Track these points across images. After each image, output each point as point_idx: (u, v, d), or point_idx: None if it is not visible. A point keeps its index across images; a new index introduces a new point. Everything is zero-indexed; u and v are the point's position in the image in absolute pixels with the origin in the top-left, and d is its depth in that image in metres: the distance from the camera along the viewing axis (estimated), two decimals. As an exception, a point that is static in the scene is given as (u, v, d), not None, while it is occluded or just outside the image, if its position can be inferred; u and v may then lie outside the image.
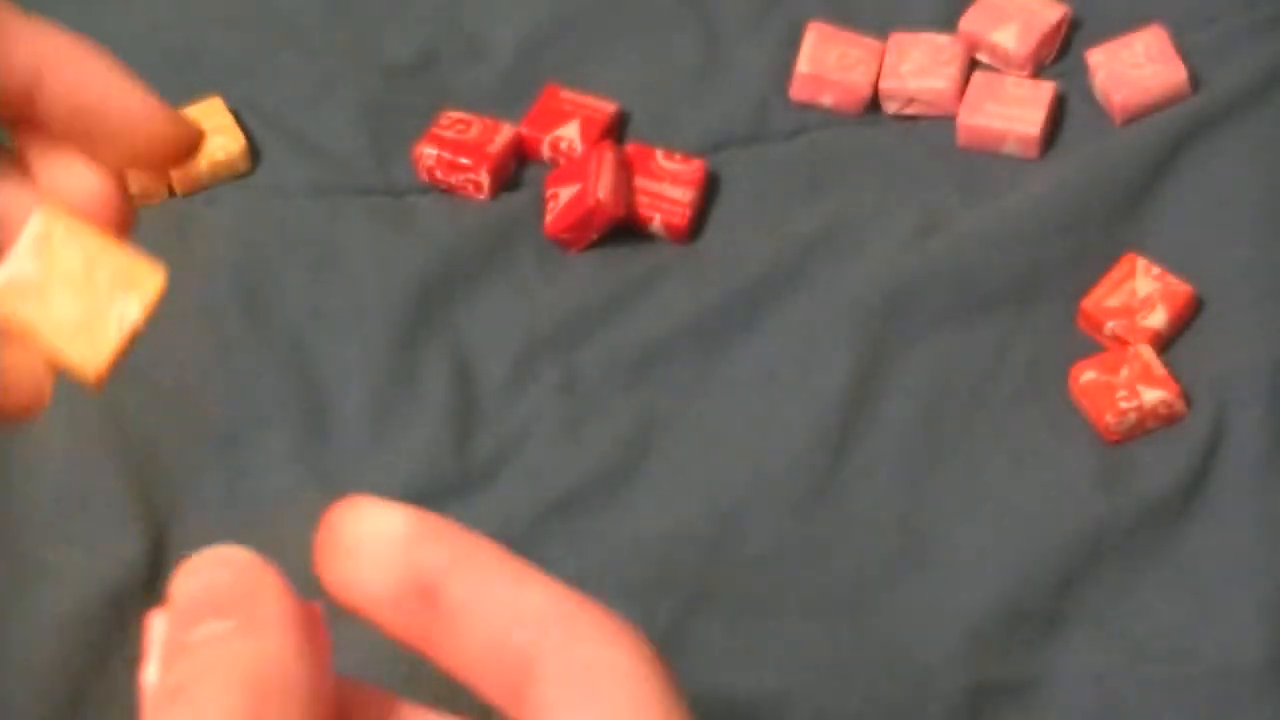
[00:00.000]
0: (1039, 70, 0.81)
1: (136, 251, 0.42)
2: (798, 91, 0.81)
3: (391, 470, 0.70)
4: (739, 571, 0.67)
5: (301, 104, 0.81)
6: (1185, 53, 0.79)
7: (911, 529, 0.68)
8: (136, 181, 0.77)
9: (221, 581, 0.32)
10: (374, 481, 0.69)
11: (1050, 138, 0.79)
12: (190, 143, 0.44)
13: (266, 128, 0.80)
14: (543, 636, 0.32)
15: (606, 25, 0.84)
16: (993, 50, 0.81)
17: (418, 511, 0.33)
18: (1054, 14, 0.81)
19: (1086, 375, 0.70)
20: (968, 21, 0.81)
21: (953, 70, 0.79)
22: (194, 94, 0.80)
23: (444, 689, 0.34)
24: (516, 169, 0.79)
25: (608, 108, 0.80)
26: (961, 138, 0.79)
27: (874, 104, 0.80)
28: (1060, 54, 0.81)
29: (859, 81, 0.80)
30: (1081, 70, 0.80)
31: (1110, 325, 0.72)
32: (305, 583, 0.34)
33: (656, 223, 0.76)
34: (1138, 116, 0.78)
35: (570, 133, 0.79)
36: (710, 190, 0.78)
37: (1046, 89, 0.79)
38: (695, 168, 0.77)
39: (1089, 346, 0.72)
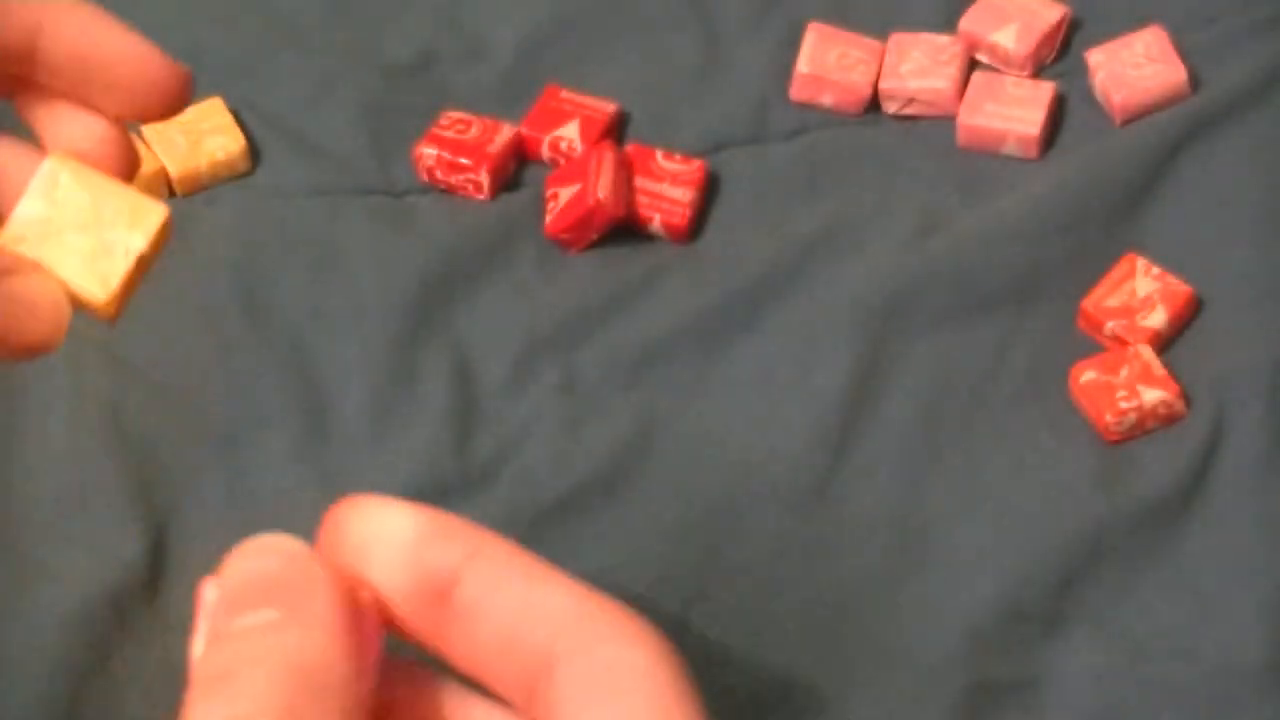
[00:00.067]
0: (1039, 70, 0.81)
1: (140, 191, 0.45)
2: (798, 92, 0.81)
3: (391, 470, 0.70)
4: (739, 571, 0.67)
5: (301, 104, 0.81)
6: (1185, 53, 0.79)
7: (911, 529, 0.68)
8: (136, 184, 0.76)
9: (272, 570, 0.32)
10: (374, 481, 0.69)
11: (1050, 138, 0.79)
12: (183, 86, 0.46)
13: (266, 128, 0.80)
14: (560, 636, 0.31)
15: (606, 25, 0.84)
16: (992, 50, 0.81)
17: (426, 509, 0.33)
18: (1054, 14, 0.81)
19: (1086, 375, 0.70)
20: (967, 22, 0.81)
21: (952, 70, 0.80)
22: (194, 94, 0.80)
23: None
24: (516, 169, 0.79)
25: (608, 108, 0.80)
26: (961, 138, 0.79)
27: (874, 104, 0.80)
28: (1060, 54, 0.81)
29: (859, 82, 0.80)
30: (1081, 70, 0.80)
31: (1110, 325, 0.72)
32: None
33: (656, 223, 0.76)
34: (1137, 117, 0.78)
35: (570, 133, 0.79)
36: (710, 190, 0.78)
37: (1046, 89, 0.79)
38: (695, 168, 0.77)
39: (1089, 346, 0.72)
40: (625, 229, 0.76)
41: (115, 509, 0.68)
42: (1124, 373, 0.70)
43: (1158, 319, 0.71)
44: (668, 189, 0.77)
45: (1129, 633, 0.65)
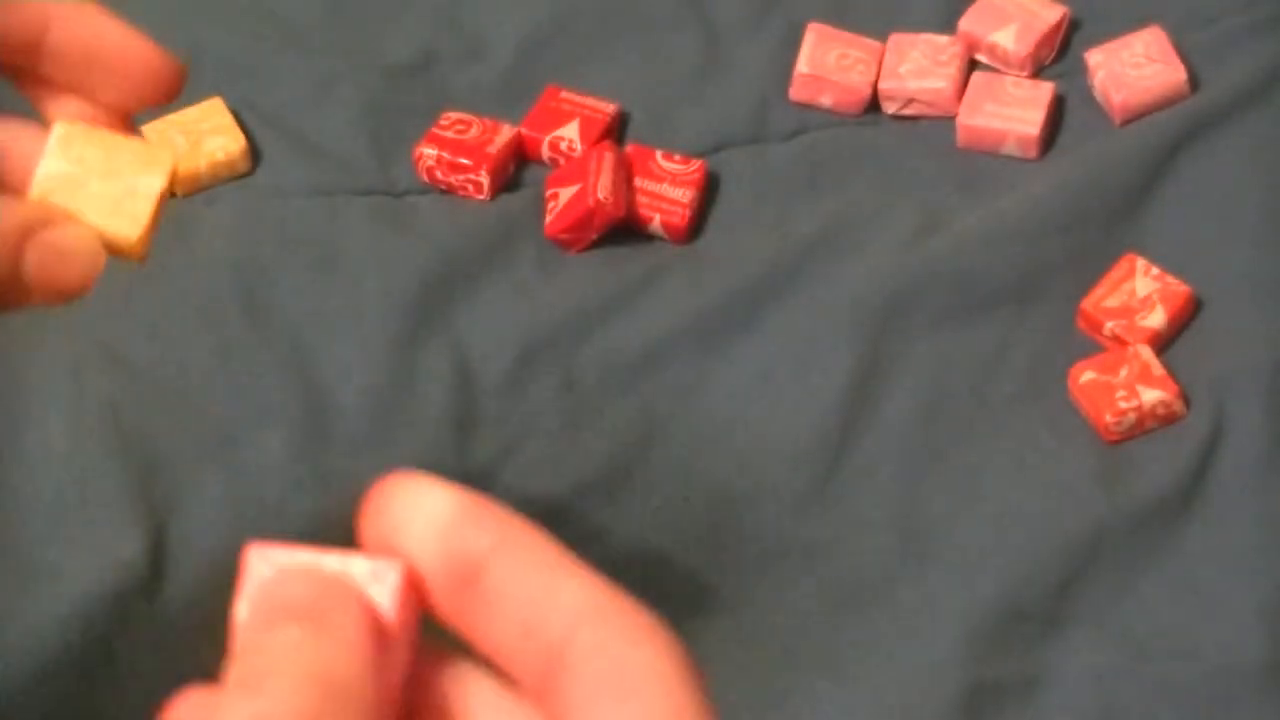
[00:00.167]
0: (1038, 70, 0.81)
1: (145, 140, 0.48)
2: (797, 92, 0.81)
3: (391, 471, 0.70)
4: (739, 571, 0.67)
5: (301, 104, 0.81)
6: (1184, 53, 0.79)
7: (911, 529, 0.68)
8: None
9: (304, 592, 0.33)
10: (374, 481, 0.69)
11: (1049, 138, 0.79)
12: (177, 76, 0.49)
13: (266, 128, 0.80)
14: (577, 629, 0.32)
15: (606, 25, 0.84)
16: (992, 51, 0.81)
17: (465, 492, 0.33)
18: (1053, 14, 0.81)
19: (1086, 375, 0.70)
20: (967, 22, 0.81)
21: (952, 71, 0.80)
22: (194, 94, 0.80)
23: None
24: (516, 169, 0.79)
25: (607, 108, 0.80)
26: (961, 138, 0.79)
27: (873, 104, 0.80)
28: (1059, 54, 0.81)
29: (858, 82, 0.80)
30: (1081, 70, 0.80)
31: (1109, 325, 0.72)
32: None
33: (656, 223, 0.76)
34: (1137, 117, 0.78)
35: (570, 133, 0.79)
36: (710, 190, 0.78)
37: (1046, 89, 0.79)
38: (695, 168, 0.77)
39: (1088, 347, 0.72)
40: (625, 229, 0.76)
41: (115, 509, 0.68)
42: (1123, 373, 0.70)
43: (1157, 319, 0.72)
44: (667, 189, 0.77)
45: (1129, 633, 0.65)
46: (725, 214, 0.78)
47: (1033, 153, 0.78)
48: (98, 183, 0.47)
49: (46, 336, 0.73)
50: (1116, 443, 0.69)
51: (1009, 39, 0.80)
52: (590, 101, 0.80)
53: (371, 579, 0.33)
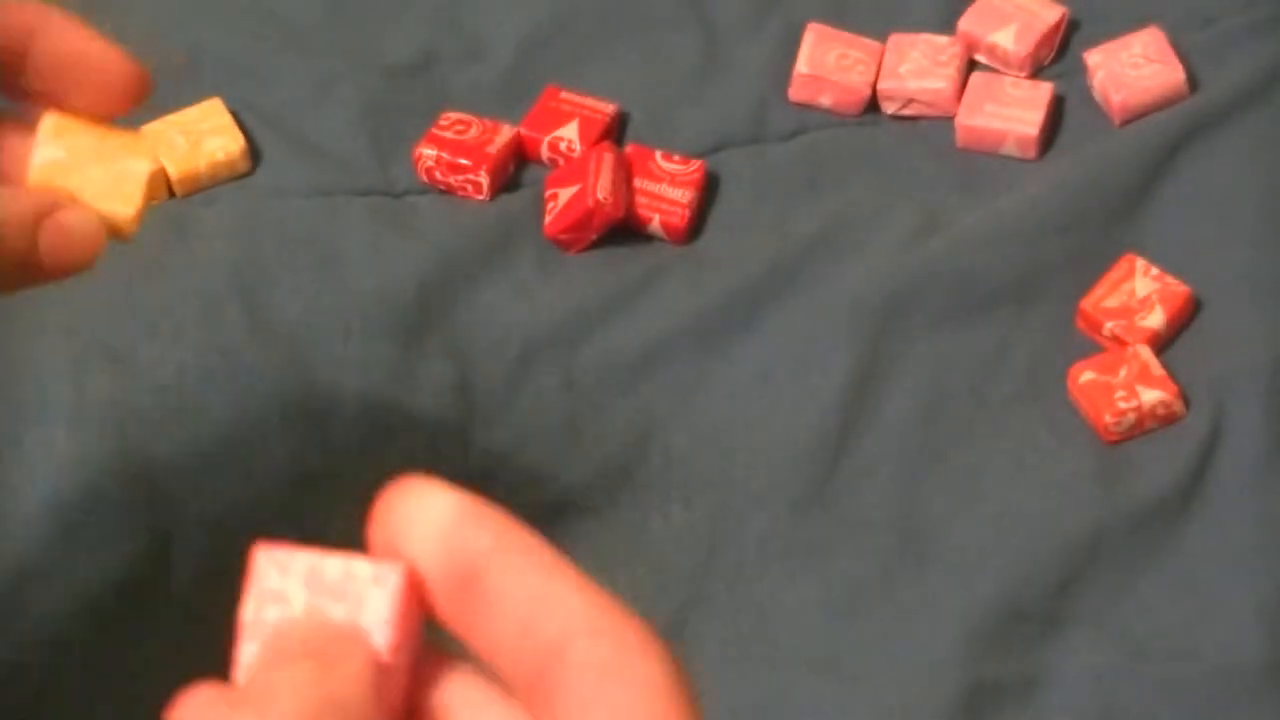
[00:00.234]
0: (1037, 71, 0.81)
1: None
2: (796, 92, 0.81)
3: (391, 471, 0.70)
4: (738, 571, 0.67)
5: (301, 104, 0.81)
6: (1183, 53, 0.79)
7: (911, 529, 0.68)
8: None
9: (314, 635, 0.33)
10: (374, 481, 0.69)
11: (1049, 138, 0.79)
12: (143, 85, 0.52)
13: (266, 128, 0.80)
14: (570, 635, 0.32)
15: (606, 25, 0.84)
16: (991, 51, 0.81)
17: (468, 496, 0.34)
18: (1052, 15, 0.81)
19: (1085, 376, 0.70)
20: (966, 22, 0.81)
21: (951, 71, 0.80)
22: (194, 94, 0.80)
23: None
24: (516, 170, 0.79)
25: (607, 108, 0.80)
26: (960, 138, 0.79)
27: (873, 105, 0.80)
28: (1059, 54, 0.82)
29: (858, 82, 0.80)
30: (1080, 71, 0.80)
31: (1109, 326, 0.72)
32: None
33: (655, 223, 0.76)
34: (1136, 117, 0.78)
35: (569, 133, 0.79)
36: (709, 191, 0.78)
37: (1045, 90, 0.79)
38: (694, 168, 0.77)
39: (1088, 347, 0.72)
40: (624, 229, 0.76)
41: (116, 509, 0.68)
42: (1123, 373, 0.70)
43: (1156, 319, 0.72)
44: (667, 190, 0.77)
45: (1129, 633, 0.65)
46: (725, 214, 0.78)
47: (1032, 153, 0.78)
48: (91, 167, 0.50)
49: (47, 337, 0.73)
50: (1116, 443, 0.69)
51: (1008, 39, 0.80)
52: (590, 102, 0.80)
53: (373, 582, 0.34)
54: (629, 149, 0.78)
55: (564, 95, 0.80)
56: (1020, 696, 0.64)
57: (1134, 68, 0.79)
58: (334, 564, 0.34)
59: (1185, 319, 0.73)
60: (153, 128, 0.79)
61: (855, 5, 0.83)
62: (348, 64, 0.83)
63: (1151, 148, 0.77)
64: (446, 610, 0.34)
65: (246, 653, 0.33)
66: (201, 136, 0.79)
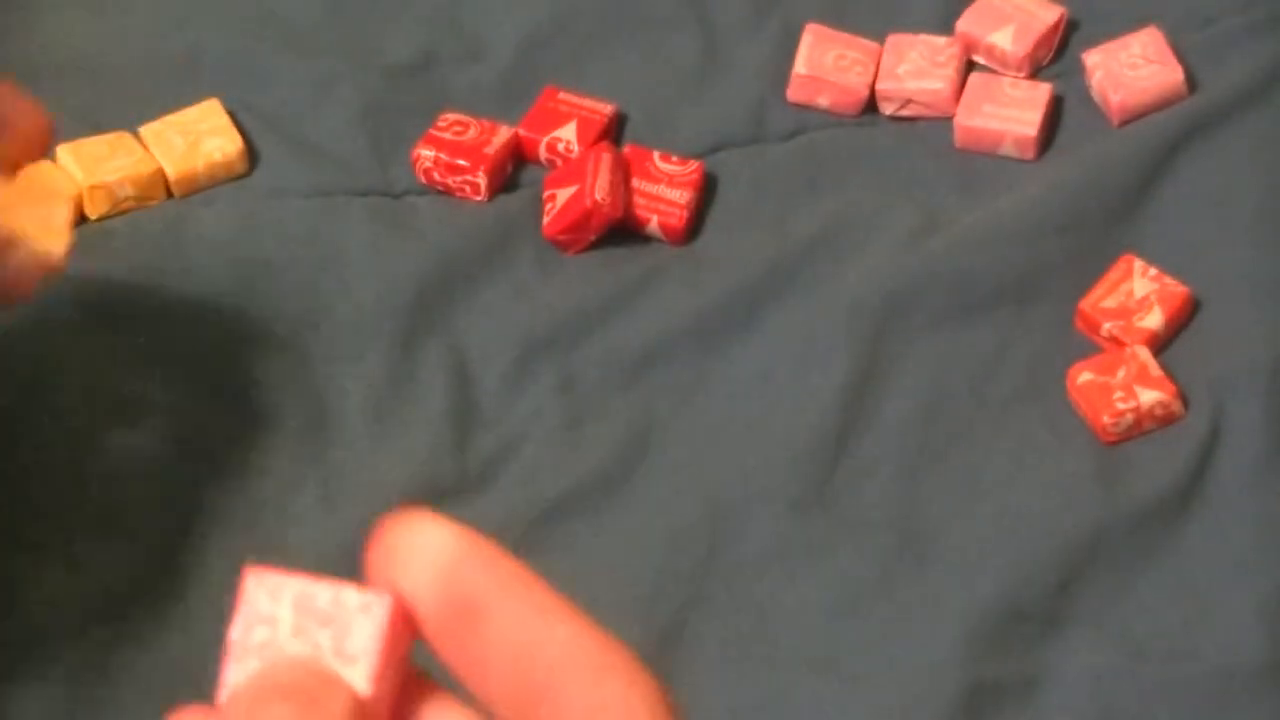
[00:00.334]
0: (1036, 71, 0.81)
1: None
2: (795, 93, 0.81)
3: (391, 470, 0.70)
4: (738, 571, 0.67)
5: (300, 105, 0.81)
6: (1182, 53, 0.79)
7: (911, 529, 0.68)
8: (134, 185, 0.77)
9: (297, 676, 0.34)
10: (374, 481, 0.69)
11: (1047, 139, 0.79)
12: (51, 134, 0.57)
13: (264, 129, 0.80)
14: (565, 672, 0.33)
15: (605, 26, 0.84)
16: (990, 51, 0.81)
17: (468, 532, 0.34)
18: (1051, 15, 0.81)
19: (1084, 376, 0.70)
20: (965, 23, 0.81)
21: (950, 71, 0.80)
22: (192, 95, 0.80)
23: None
24: (514, 170, 0.79)
25: (605, 109, 0.80)
26: (959, 139, 0.79)
27: (871, 105, 0.80)
28: (1057, 55, 0.82)
29: (856, 83, 0.80)
30: (1078, 71, 0.80)
31: (1107, 326, 0.72)
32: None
33: (654, 224, 0.76)
34: (1135, 117, 0.79)
35: (568, 134, 0.79)
36: (708, 191, 0.78)
37: (1043, 90, 0.79)
38: (693, 169, 0.77)
39: (1086, 347, 0.72)
40: (623, 230, 0.76)
41: (117, 509, 0.68)
42: (1121, 374, 0.70)
43: (1155, 320, 0.72)
44: (665, 190, 0.77)
45: (1129, 633, 0.65)
46: (723, 215, 0.78)
47: (1030, 153, 0.78)
48: (21, 209, 0.55)
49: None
50: (1114, 443, 0.69)
51: (1007, 40, 0.80)
52: (588, 102, 0.80)
53: (360, 610, 0.34)
54: (627, 150, 0.78)
55: (562, 96, 0.80)
56: (1020, 696, 0.64)
57: (1132, 68, 0.79)
58: (323, 590, 0.34)
59: (1184, 319, 0.73)
60: (151, 128, 0.79)
61: (854, 6, 0.83)
62: (347, 64, 0.82)
63: (1150, 148, 0.77)
64: (440, 643, 0.34)
65: (232, 673, 0.34)
66: (200, 137, 0.79)
